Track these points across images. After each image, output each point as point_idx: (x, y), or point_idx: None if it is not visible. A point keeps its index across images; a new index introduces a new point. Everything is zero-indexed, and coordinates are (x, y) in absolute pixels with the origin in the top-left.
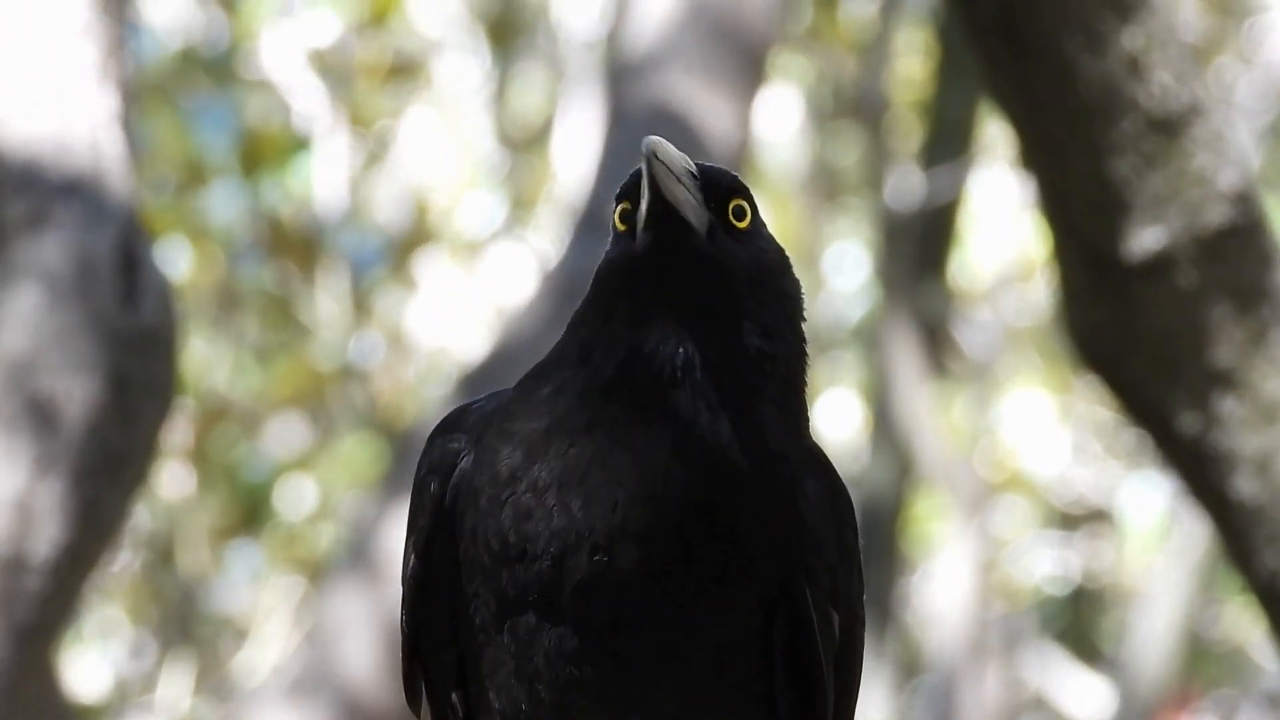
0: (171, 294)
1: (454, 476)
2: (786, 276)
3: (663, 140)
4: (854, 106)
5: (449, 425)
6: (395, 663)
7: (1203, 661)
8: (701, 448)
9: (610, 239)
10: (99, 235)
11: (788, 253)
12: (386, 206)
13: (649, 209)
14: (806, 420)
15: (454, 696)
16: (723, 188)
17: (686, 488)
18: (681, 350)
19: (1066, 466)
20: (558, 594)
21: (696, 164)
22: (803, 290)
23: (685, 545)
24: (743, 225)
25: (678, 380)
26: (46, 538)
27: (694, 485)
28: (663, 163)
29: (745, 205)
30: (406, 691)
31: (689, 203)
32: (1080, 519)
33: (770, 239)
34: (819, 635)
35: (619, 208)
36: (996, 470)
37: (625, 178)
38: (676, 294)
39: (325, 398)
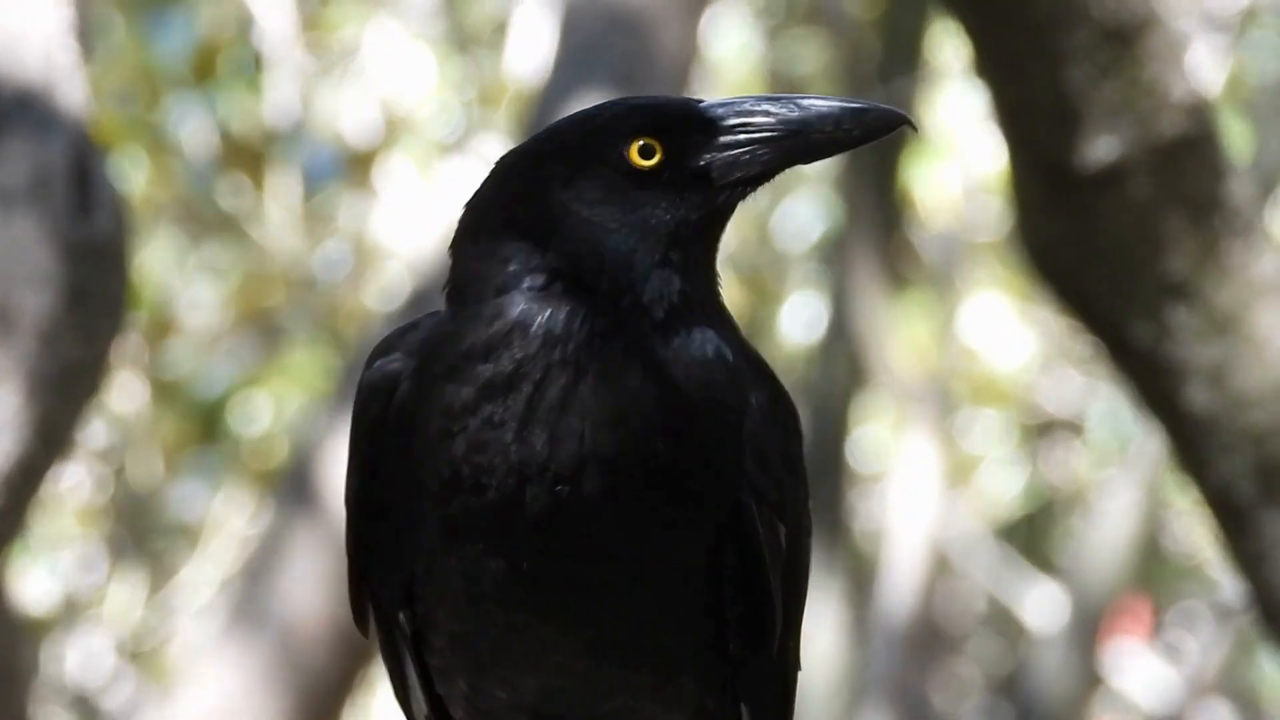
0: (124, 207)
1: (395, 399)
2: None
3: (776, 101)
4: (808, 15)
5: (388, 346)
6: (344, 579)
7: (1160, 571)
8: (667, 366)
9: (604, 166)
10: (52, 147)
11: None
12: (341, 116)
13: (753, 177)
14: (738, 331)
15: (401, 616)
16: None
17: (655, 409)
18: (681, 286)
19: (1027, 376)
20: (511, 522)
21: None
22: None
23: (650, 468)
24: None
25: (666, 311)
26: (0, 451)
27: (662, 406)
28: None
29: None
30: (354, 612)
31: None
32: (1039, 428)
33: None
34: (765, 548)
35: (640, 142)
36: (957, 379)
37: (576, 86)
38: (702, 248)
39: (278, 311)
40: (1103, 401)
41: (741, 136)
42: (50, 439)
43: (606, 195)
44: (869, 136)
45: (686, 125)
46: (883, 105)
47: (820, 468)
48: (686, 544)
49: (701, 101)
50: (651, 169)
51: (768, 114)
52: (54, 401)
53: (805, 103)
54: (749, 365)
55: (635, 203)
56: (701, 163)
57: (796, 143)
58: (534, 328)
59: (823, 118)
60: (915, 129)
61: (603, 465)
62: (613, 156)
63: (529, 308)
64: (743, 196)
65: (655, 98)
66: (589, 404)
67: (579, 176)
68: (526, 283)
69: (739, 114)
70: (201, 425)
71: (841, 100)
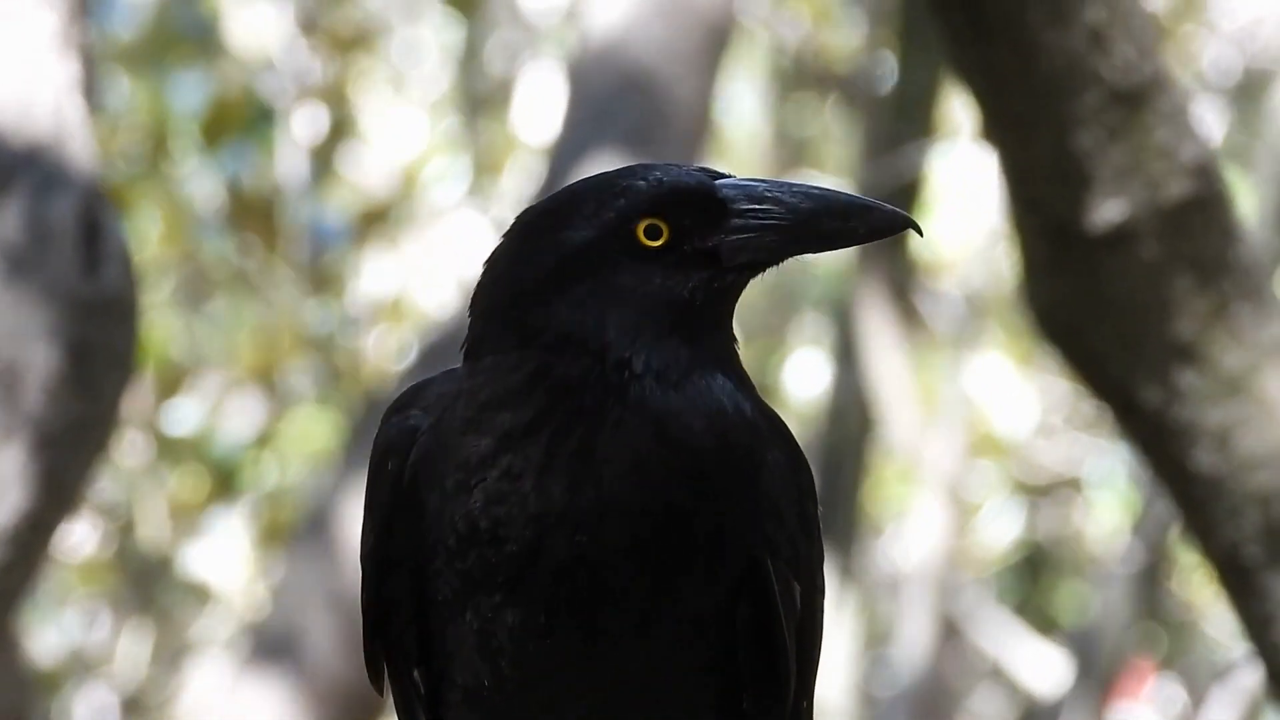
0: (132, 262)
1: (412, 454)
2: None
3: (775, 184)
4: (817, 80)
5: (405, 402)
6: (355, 636)
7: (1162, 634)
8: (684, 419)
9: (614, 239)
10: (60, 203)
11: None
12: (351, 175)
13: (760, 261)
14: (755, 390)
15: (416, 674)
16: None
17: (672, 458)
18: (682, 355)
19: (1030, 436)
20: (529, 574)
21: (708, 180)
22: None
23: (667, 517)
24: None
25: (667, 374)
26: (7, 505)
27: (679, 455)
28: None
29: None
30: (368, 669)
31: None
32: (1042, 489)
33: None
34: (781, 605)
35: (646, 223)
36: (963, 437)
37: (590, 145)
38: (712, 320)
39: (287, 369)
40: (1103, 461)
41: (752, 221)
42: (57, 494)
43: (614, 268)
44: (873, 235)
45: (697, 206)
46: (889, 207)
47: (829, 523)
48: (702, 598)
49: (717, 177)
50: (658, 248)
51: (779, 202)
52: (61, 457)
53: (816, 193)
54: (766, 422)
55: (642, 277)
56: (710, 244)
57: (804, 232)
58: (550, 380)
59: (831, 212)
60: (920, 233)
61: (621, 514)
62: (623, 232)
63: (545, 361)
64: (749, 277)
65: (671, 172)
66: (607, 453)
67: (590, 246)
68: (542, 339)
69: (751, 198)
70: (211, 482)
71: (849, 196)
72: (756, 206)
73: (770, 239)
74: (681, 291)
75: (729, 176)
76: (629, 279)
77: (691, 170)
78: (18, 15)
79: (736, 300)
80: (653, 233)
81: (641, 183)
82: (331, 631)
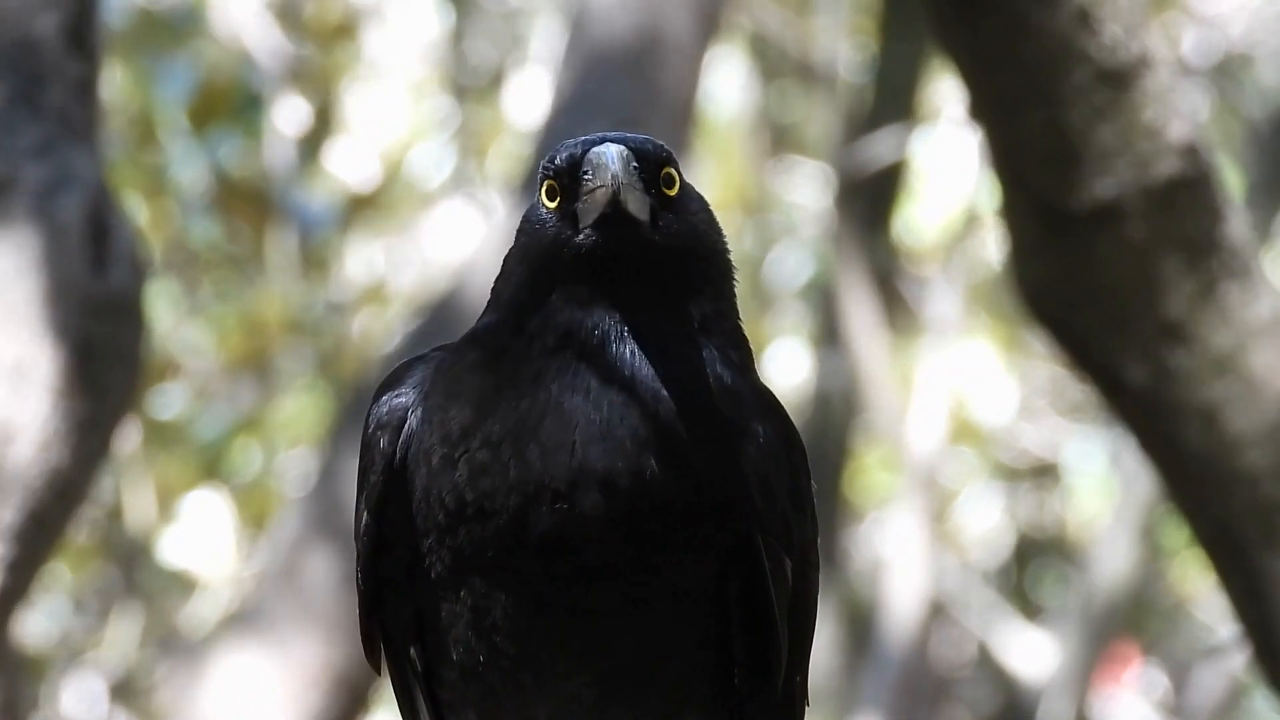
0: (141, 261)
1: (403, 432)
2: (715, 231)
3: (609, 148)
4: (800, 66)
5: (394, 380)
6: (339, 620)
7: (1147, 617)
8: (653, 385)
9: (535, 209)
10: (68, 201)
11: (710, 203)
12: (339, 160)
13: (601, 219)
14: (753, 362)
15: (412, 650)
16: (655, 161)
17: (642, 424)
18: (625, 321)
19: (1013, 421)
20: (517, 548)
21: (629, 143)
22: (725, 235)
23: (644, 485)
24: (672, 192)
25: (622, 339)
26: (13, 504)
27: (649, 421)
28: (616, 176)
29: (673, 172)
30: (365, 648)
31: (638, 202)
32: (1025, 473)
33: (696, 196)
34: (772, 581)
35: (546, 184)
36: (945, 422)
37: (578, 130)
38: (622, 282)
39: (275, 354)
40: (1083, 445)
41: (586, 184)
42: (63, 493)
43: (528, 232)
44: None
45: (569, 171)
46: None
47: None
48: (691, 572)
49: (600, 141)
50: (554, 210)
51: (589, 163)
52: (67, 456)
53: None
54: (754, 394)
55: (548, 239)
56: (573, 207)
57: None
58: (522, 353)
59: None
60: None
61: (596, 481)
62: (538, 198)
63: (516, 340)
64: (616, 236)
65: (579, 139)
66: (576, 417)
67: (523, 213)
68: (504, 308)
69: (587, 162)
70: (198, 468)
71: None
72: (587, 169)
73: (594, 199)
74: (565, 250)
75: (647, 141)
76: (538, 240)
77: (595, 136)
78: (26, 14)
79: (663, 264)
80: (550, 194)
81: (559, 148)
82: (316, 616)
